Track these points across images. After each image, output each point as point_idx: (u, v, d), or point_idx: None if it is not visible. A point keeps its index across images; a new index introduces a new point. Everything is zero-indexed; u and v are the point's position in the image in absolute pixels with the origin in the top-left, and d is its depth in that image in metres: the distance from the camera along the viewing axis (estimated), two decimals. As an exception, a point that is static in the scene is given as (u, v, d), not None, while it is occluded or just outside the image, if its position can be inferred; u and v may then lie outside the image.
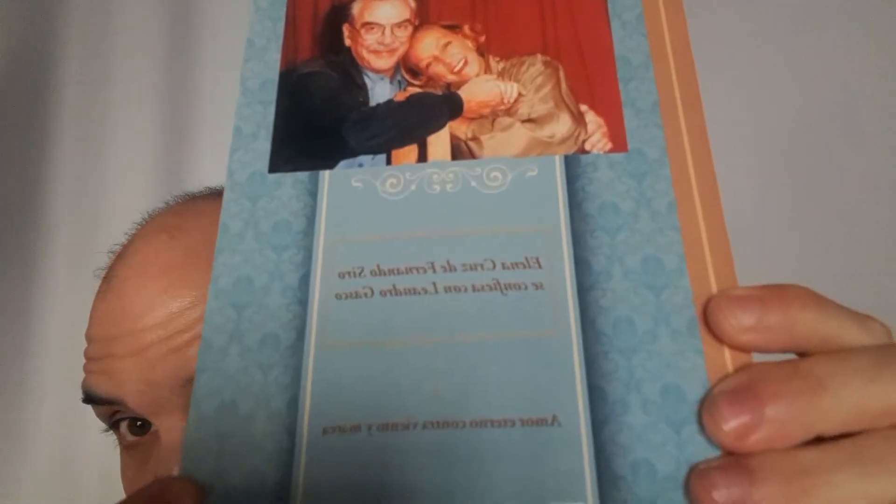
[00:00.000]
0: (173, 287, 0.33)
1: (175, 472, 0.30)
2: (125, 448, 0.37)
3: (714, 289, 0.19)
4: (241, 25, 0.81)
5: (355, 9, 0.25)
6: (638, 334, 0.19)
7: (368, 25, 0.25)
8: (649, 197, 0.21)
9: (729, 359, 0.18)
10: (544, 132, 0.22)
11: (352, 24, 0.25)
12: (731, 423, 0.17)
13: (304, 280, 0.21)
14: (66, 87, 0.88)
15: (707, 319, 0.19)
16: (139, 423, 0.35)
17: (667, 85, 0.22)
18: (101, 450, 0.74)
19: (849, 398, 0.17)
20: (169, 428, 0.32)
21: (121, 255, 0.38)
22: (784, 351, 0.19)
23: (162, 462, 0.32)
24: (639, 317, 0.19)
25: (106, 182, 0.86)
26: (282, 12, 0.26)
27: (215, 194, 0.42)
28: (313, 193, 0.22)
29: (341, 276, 0.21)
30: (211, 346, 0.20)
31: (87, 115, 0.87)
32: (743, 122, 0.76)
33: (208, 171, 0.83)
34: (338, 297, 0.21)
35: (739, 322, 0.18)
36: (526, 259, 0.20)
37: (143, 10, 0.89)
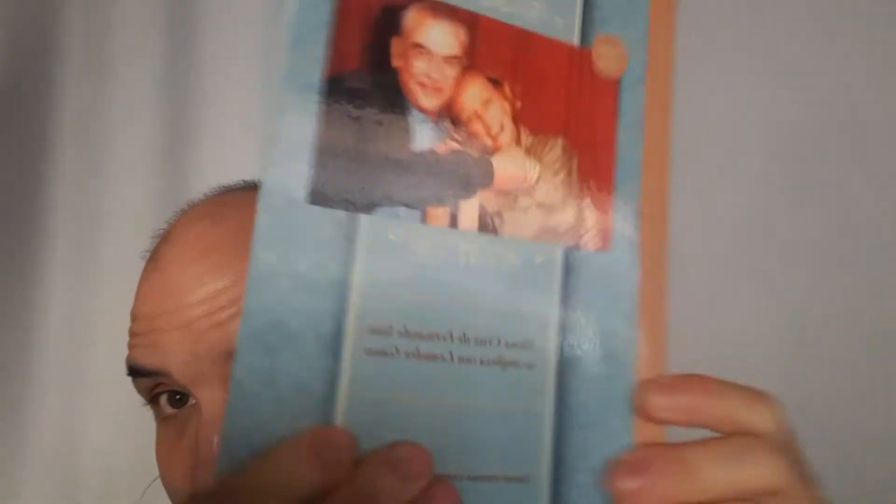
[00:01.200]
0: (216, 267, 0.36)
1: (215, 441, 0.33)
2: (163, 420, 0.39)
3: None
4: (242, 24, 0.85)
5: (407, 20, 0.24)
6: (592, 414, 0.25)
7: (419, 48, 0.24)
8: (619, 297, 0.26)
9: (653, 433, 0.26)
10: (553, 220, 0.26)
11: (402, 39, 0.24)
12: (624, 484, 0.24)
13: (337, 331, 0.22)
14: (66, 87, 0.89)
15: (635, 400, 0.26)
16: (178, 396, 0.37)
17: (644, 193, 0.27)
18: (101, 449, 0.75)
19: (713, 479, 0.23)
20: (210, 399, 0.35)
21: (165, 238, 0.40)
22: (692, 426, 0.25)
23: (203, 432, 0.34)
24: (595, 400, 0.25)
25: (106, 182, 0.87)
26: (329, 6, 0.22)
27: (251, 187, 0.44)
28: (351, 238, 0.22)
29: (372, 331, 0.22)
30: (243, 387, 0.20)
31: (87, 115, 0.88)
32: (743, 123, 0.78)
33: (209, 170, 0.85)
34: (368, 352, 0.22)
35: (658, 403, 0.25)
36: (524, 340, 0.24)
37: (143, 10, 0.89)
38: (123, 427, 0.73)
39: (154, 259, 0.40)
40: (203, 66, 0.88)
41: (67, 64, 0.90)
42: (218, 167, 0.82)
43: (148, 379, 0.38)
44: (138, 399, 0.39)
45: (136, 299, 0.39)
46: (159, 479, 0.39)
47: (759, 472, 0.24)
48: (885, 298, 0.74)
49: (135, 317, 0.39)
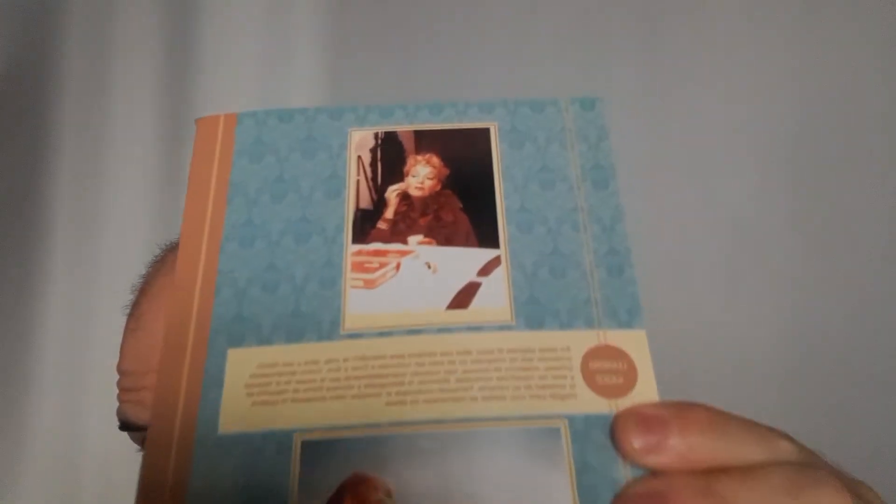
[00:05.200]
0: None
1: None
2: None
3: None
4: (242, 24, 0.86)
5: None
6: None
7: None
8: None
9: None
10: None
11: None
12: None
13: None
14: (66, 88, 0.88)
15: (612, 436, 0.20)
16: None
17: None
18: (101, 449, 0.78)
19: None
20: None
21: (144, 293, 0.40)
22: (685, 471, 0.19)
23: None
24: None
25: (106, 182, 0.86)
26: None
27: None
28: None
29: None
30: None
31: (87, 115, 0.88)
32: (744, 124, 0.77)
33: None
34: None
35: (640, 443, 0.19)
36: None
37: (143, 10, 0.89)
38: (123, 427, 0.73)
39: (135, 316, 0.40)
40: (203, 65, 0.89)
41: (67, 65, 0.91)
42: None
43: (141, 432, 0.37)
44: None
45: (121, 356, 0.39)
46: None
47: None
48: (885, 298, 0.72)
49: (122, 373, 0.39)
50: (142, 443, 0.38)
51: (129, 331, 0.40)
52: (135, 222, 0.85)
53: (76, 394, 0.81)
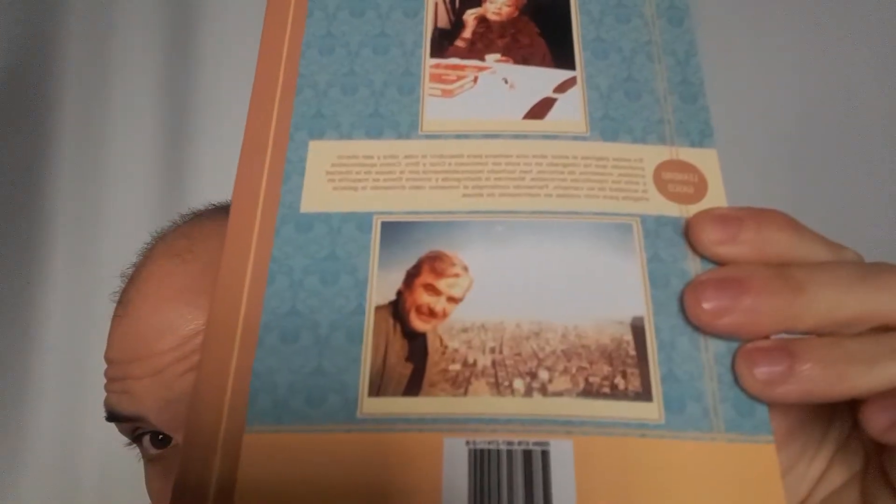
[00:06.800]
0: (187, 310, 0.34)
1: None
2: (149, 461, 0.38)
3: None
4: (242, 24, 0.84)
5: None
6: None
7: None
8: None
9: None
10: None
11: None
12: (711, 303, 0.19)
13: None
14: (66, 88, 0.88)
15: (687, 234, 0.21)
16: (160, 436, 0.36)
17: None
18: (101, 449, 0.79)
19: (822, 303, 0.19)
20: None
21: (133, 280, 0.39)
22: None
23: None
24: None
25: (106, 182, 0.86)
26: None
27: (219, 210, 0.42)
28: None
29: None
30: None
31: (87, 115, 0.88)
32: (744, 121, 0.77)
33: (209, 171, 0.85)
34: None
35: (715, 235, 0.20)
36: None
37: (144, 10, 0.89)
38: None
39: (123, 303, 0.38)
40: (203, 66, 0.88)
41: (68, 64, 0.89)
42: (218, 167, 0.81)
43: (127, 423, 0.37)
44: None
45: (109, 344, 0.38)
46: None
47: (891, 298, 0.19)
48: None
49: (108, 361, 0.37)
50: (130, 433, 0.38)
51: (115, 318, 0.38)
52: (135, 222, 0.83)
53: (76, 394, 0.80)
